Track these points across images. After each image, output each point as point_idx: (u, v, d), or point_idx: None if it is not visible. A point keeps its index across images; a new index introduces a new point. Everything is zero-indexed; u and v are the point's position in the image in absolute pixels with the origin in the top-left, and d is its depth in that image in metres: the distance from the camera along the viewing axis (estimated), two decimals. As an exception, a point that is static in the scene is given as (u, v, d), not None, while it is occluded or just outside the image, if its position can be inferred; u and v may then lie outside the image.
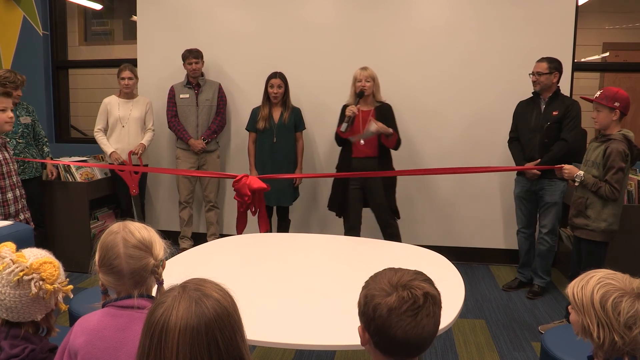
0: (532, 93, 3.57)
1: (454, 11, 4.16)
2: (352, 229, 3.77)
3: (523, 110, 3.61)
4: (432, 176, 4.21)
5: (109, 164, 4.21)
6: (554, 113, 3.42)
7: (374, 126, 3.48)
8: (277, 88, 3.88)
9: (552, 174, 3.40)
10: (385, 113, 3.64)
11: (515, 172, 3.70)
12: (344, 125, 3.48)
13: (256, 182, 3.23)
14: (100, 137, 4.17)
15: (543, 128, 3.44)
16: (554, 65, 3.43)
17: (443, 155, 4.21)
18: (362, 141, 3.58)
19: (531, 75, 3.50)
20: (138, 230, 1.33)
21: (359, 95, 3.57)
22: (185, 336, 0.92)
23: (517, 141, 3.63)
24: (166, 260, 1.38)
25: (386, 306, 1.03)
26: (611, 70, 4.93)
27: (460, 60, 4.16)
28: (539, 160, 3.45)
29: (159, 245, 1.35)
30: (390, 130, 3.54)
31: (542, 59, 3.48)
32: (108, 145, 4.15)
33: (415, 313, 1.02)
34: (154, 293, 1.36)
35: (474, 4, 4.12)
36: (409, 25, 4.21)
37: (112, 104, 4.17)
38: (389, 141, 3.59)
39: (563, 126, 3.41)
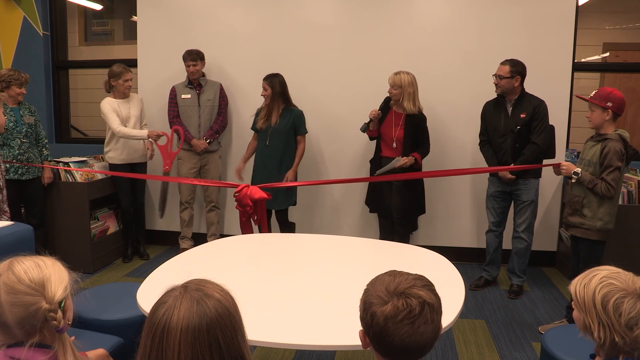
0: (497, 95, 3.55)
1: (454, 11, 4.16)
2: (385, 219, 3.95)
3: (490, 113, 3.58)
4: (432, 177, 4.20)
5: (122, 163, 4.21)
6: (521, 115, 3.41)
7: (399, 164, 3.61)
8: (264, 91, 3.86)
9: (526, 174, 3.45)
10: (414, 124, 3.69)
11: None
12: (363, 126, 3.71)
13: (257, 192, 3.23)
14: (124, 130, 4.01)
15: (513, 132, 3.43)
16: (516, 69, 3.39)
17: (445, 155, 4.21)
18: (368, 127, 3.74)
19: (494, 77, 3.47)
20: (25, 271, 1.13)
21: (384, 101, 3.75)
22: (187, 336, 0.93)
23: (489, 144, 3.61)
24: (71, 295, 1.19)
25: (382, 315, 1.02)
26: (611, 70, 4.93)
27: (460, 60, 4.16)
28: (512, 165, 3.44)
29: (57, 283, 1.14)
30: (412, 161, 3.64)
31: (505, 61, 3.43)
32: (137, 130, 4.07)
33: (412, 321, 1.01)
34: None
35: (474, 4, 4.12)
36: (409, 25, 4.21)
37: (113, 105, 4.16)
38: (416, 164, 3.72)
39: (532, 128, 3.40)
